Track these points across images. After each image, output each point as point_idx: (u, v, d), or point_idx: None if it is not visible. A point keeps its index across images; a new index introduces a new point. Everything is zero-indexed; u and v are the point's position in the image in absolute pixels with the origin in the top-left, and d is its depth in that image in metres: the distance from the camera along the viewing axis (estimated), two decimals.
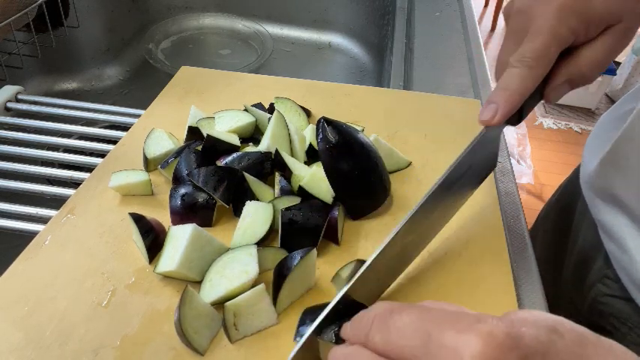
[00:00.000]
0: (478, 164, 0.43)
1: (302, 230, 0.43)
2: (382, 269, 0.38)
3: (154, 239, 0.44)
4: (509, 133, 2.31)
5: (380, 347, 0.26)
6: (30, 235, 0.47)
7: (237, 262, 0.41)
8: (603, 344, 0.24)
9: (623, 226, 0.50)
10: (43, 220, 0.49)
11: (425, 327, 0.24)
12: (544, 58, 0.38)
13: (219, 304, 0.39)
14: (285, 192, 0.48)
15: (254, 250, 0.41)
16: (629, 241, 0.50)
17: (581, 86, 0.42)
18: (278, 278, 0.40)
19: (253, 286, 0.39)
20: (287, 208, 0.44)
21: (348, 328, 0.30)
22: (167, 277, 0.43)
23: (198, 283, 0.42)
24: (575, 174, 0.68)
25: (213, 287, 0.40)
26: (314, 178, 0.47)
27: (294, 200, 0.47)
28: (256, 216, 0.45)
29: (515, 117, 0.40)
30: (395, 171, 0.55)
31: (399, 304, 0.27)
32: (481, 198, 0.51)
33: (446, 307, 0.27)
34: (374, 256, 0.36)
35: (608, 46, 0.39)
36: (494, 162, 0.46)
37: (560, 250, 0.68)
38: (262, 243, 0.44)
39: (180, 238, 0.42)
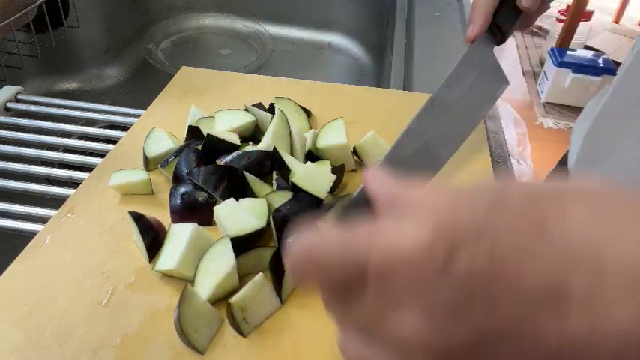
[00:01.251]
0: (486, 78, 0.47)
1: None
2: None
3: (153, 238, 0.44)
4: (509, 133, 2.31)
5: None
6: (30, 235, 0.47)
7: (215, 256, 0.41)
8: (567, 193, 0.19)
9: None
10: (42, 220, 0.49)
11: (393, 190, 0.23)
12: None
13: (219, 302, 0.39)
14: (282, 190, 0.48)
15: (227, 239, 0.42)
16: None
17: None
18: (276, 271, 0.41)
19: (250, 277, 0.40)
20: (277, 209, 0.44)
21: None
22: (167, 276, 0.43)
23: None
24: (562, 161, 0.68)
25: (203, 286, 0.40)
26: (307, 174, 0.47)
27: (286, 195, 0.47)
28: (241, 213, 0.45)
29: (498, 36, 0.47)
30: None
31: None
32: None
33: None
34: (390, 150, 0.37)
35: None
36: (503, 78, 0.48)
37: None
38: (257, 242, 0.45)
39: (180, 237, 0.42)
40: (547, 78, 2.59)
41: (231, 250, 0.41)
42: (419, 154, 0.40)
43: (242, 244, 0.43)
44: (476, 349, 0.18)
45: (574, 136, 0.61)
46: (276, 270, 0.41)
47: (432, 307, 0.18)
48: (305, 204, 0.45)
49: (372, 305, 0.20)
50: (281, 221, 0.44)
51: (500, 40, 0.47)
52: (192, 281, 0.42)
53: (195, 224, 0.42)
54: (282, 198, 0.46)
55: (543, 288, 0.17)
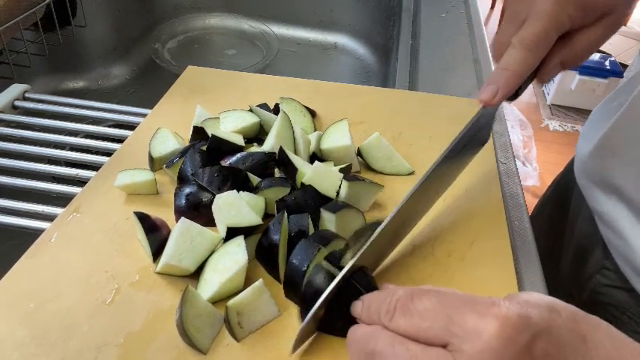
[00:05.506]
0: (475, 139, 0.46)
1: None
2: (388, 235, 0.40)
3: (158, 238, 0.44)
4: (515, 134, 2.30)
5: (402, 329, 0.29)
6: (36, 233, 0.47)
7: (227, 255, 0.42)
8: (592, 320, 0.27)
9: (619, 210, 0.51)
10: (49, 217, 0.50)
11: (446, 310, 0.27)
12: (544, 42, 0.41)
13: (221, 303, 0.40)
14: (279, 186, 0.49)
15: (241, 240, 0.42)
16: (627, 229, 0.50)
17: (571, 68, 0.46)
18: (263, 260, 0.43)
19: (249, 283, 0.40)
20: (281, 199, 0.46)
21: (360, 308, 0.33)
22: (171, 276, 0.43)
23: (197, 278, 0.42)
24: (569, 167, 0.68)
25: (208, 284, 0.41)
26: (316, 174, 0.48)
27: (284, 190, 0.47)
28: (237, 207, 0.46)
29: (512, 95, 0.43)
30: (392, 174, 0.55)
31: (417, 288, 0.30)
32: (486, 200, 0.51)
33: (458, 292, 0.30)
34: (385, 222, 0.38)
35: (601, 34, 0.42)
36: (487, 137, 0.48)
37: (557, 243, 0.68)
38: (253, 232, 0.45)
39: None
40: (553, 80, 2.58)
41: (245, 249, 0.41)
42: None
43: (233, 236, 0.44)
44: None
45: (580, 143, 0.61)
46: (263, 259, 0.42)
47: None
48: (309, 196, 0.46)
49: None
50: (285, 208, 0.44)
51: (513, 97, 0.44)
52: (192, 279, 0.42)
53: (184, 218, 0.43)
54: (279, 193, 0.47)
55: None
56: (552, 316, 0.26)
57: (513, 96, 0.44)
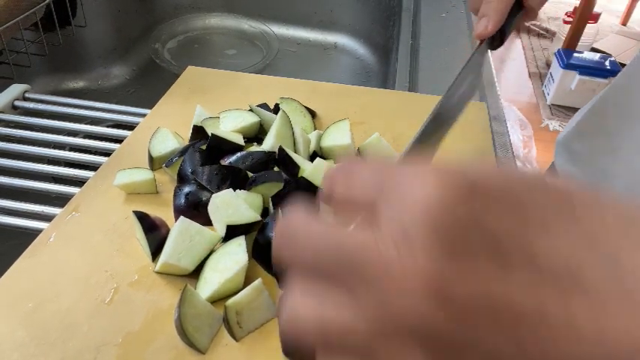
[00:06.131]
0: (463, 92, 0.45)
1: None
2: None
3: (157, 237, 0.44)
4: (515, 134, 2.30)
5: (340, 196, 0.21)
6: (35, 233, 0.47)
7: (227, 254, 0.42)
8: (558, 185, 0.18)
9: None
10: (48, 217, 0.49)
11: (382, 176, 0.19)
12: None
13: (220, 303, 0.39)
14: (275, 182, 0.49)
15: (242, 240, 0.42)
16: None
17: None
18: (259, 260, 0.42)
19: (248, 282, 0.40)
20: (275, 194, 0.45)
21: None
22: (170, 275, 0.43)
23: (197, 278, 0.42)
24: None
25: (207, 283, 0.41)
26: (316, 170, 0.48)
27: (276, 185, 0.47)
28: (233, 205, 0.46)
29: (497, 40, 0.44)
30: None
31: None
32: None
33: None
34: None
35: None
36: (474, 90, 0.47)
37: None
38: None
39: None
40: (553, 80, 2.58)
41: (245, 250, 0.41)
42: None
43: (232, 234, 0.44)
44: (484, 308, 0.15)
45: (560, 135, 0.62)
46: (260, 257, 0.42)
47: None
48: (304, 190, 0.46)
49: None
50: (280, 204, 0.45)
51: (499, 44, 0.45)
52: (191, 278, 0.42)
53: (183, 217, 0.43)
54: (272, 188, 0.47)
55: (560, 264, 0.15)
56: (509, 184, 0.18)
57: (499, 42, 0.44)
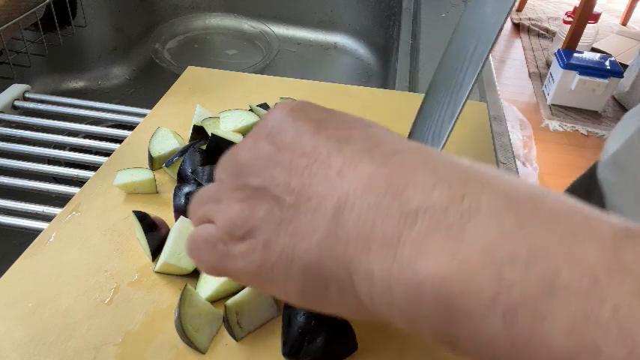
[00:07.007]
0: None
1: None
2: None
3: (157, 237, 0.44)
4: (515, 134, 2.30)
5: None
6: (35, 233, 0.47)
7: None
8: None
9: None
10: (48, 217, 0.49)
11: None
12: None
13: (220, 302, 0.39)
14: None
15: None
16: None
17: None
18: None
19: None
20: None
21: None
22: (170, 275, 0.43)
23: (196, 278, 0.42)
24: (590, 171, 0.67)
25: (207, 283, 0.41)
26: None
27: None
28: None
29: None
30: None
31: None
32: None
33: None
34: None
35: None
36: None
37: None
38: None
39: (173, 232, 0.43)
40: (553, 80, 2.58)
41: None
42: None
43: None
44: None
45: (609, 142, 0.59)
46: None
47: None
48: None
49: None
50: None
51: None
52: (195, 279, 0.42)
53: (183, 217, 0.43)
54: None
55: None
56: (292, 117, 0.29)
57: None
